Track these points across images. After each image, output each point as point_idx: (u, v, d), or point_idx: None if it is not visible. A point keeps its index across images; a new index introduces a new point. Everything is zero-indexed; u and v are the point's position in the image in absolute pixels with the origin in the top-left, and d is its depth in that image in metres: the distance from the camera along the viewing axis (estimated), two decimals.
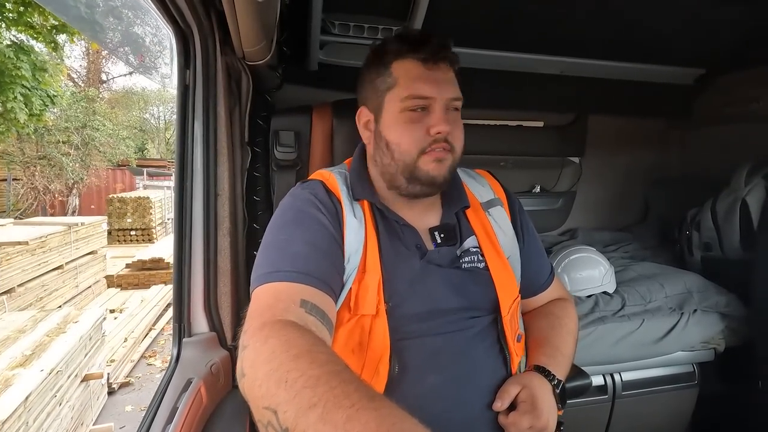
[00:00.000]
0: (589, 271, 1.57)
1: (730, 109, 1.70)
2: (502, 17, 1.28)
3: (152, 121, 21.43)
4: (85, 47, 13.47)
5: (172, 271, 1.00)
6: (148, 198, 8.63)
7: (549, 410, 0.73)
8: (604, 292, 1.56)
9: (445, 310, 0.76)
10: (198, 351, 0.96)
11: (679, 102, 1.85)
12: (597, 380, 1.46)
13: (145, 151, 20.34)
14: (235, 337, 1.05)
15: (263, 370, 0.48)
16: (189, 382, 0.87)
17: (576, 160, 2.01)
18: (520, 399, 0.74)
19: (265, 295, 0.64)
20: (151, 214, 8.56)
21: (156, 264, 6.04)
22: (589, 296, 1.55)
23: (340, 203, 0.78)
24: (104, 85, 15.56)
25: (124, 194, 8.92)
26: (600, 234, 2.07)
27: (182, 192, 0.96)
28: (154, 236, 8.65)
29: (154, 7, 0.83)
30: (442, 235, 0.81)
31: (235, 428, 0.92)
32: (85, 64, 14.50)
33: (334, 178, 0.83)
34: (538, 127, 1.93)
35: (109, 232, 7.99)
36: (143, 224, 8.63)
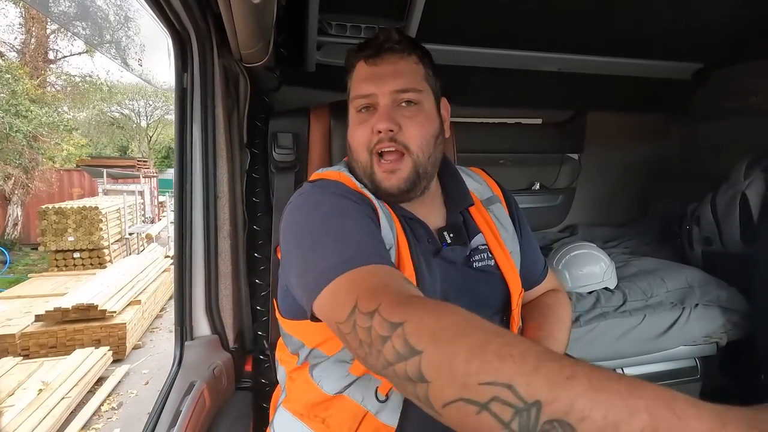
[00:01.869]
0: (590, 268, 1.57)
1: (729, 103, 1.70)
2: (499, 15, 1.28)
3: (133, 118, 19.58)
4: (21, 13, 10.11)
5: (172, 278, 0.99)
6: (96, 208, 6.57)
7: None
8: (606, 288, 1.56)
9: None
10: (200, 354, 0.96)
11: (678, 97, 1.85)
12: None
13: (129, 150, 19.23)
14: (236, 339, 1.05)
15: (463, 342, 0.41)
16: (192, 385, 0.87)
17: (575, 156, 2.01)
18: None
19: (359, 280, 0.54)
20: (101, 229, 6.57)
21: (84, 313, 4.08)
22: (591, 292, 1.55)
23: (367, 197, 0.75)
24: (53, 65, 11.73)
25: (63, 204, 6.80)
26: (600, 230, 2.07)
27: (182, 195, 0.96)
28: (108, 258, 6.75)
29: (150, 10, 0.83)
30: (451, 235, 0.80)
31: (239, 431, 0.92)
32: (26, 37, 10.64)
33: (346, 175, 0.79)
34: (536, 125, 1.93)
35: (43, 256, 6.42)
36: (91, 243, 6.54)
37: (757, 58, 1.50)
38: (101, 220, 6.63)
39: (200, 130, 0.96)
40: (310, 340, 0.75)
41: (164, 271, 6.02)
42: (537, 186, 2.05)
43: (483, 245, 0.82)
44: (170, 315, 5.36)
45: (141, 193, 9.42)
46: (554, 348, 0.80)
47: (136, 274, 5.30)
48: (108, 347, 4.04)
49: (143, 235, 7.97)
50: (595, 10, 1.27)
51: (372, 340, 0.47)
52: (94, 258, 6.68)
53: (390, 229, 0.72)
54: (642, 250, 1.92)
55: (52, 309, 4.10)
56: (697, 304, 1.48)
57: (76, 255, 6.57)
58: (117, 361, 4.10)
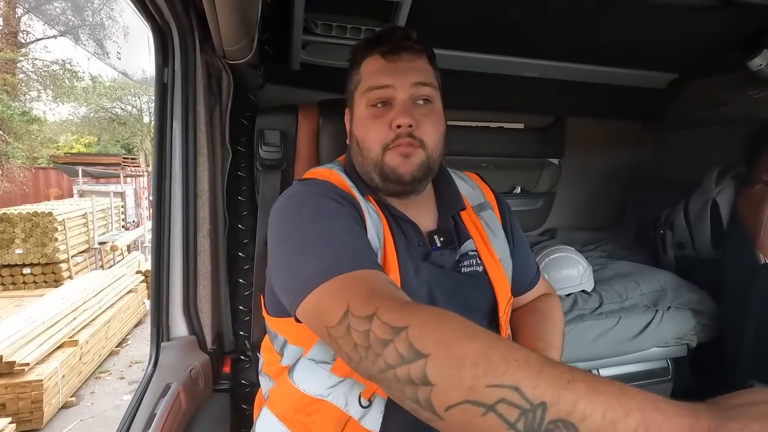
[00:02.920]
0: (568, 270, 1.60)
1: (702, 113, 1.76)
2: (484, 20, 1.29)
3: (135, 114, 18.52)
4: None
5: (149, 279, 0.97)
6: (49, 215, 5.49)
7: None
8: (583, 291, 1.60)
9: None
10: (177, 355, 0.94)
11: (654, 105, 1.91)
12: None
13: (134, 148, 18.17)
14: (215, 340, 1.03)
15: (470, 347, 0.42)
16: (168, 387, 0.85)
17: (555, 161, 2.04)
18: None
19: (347, 285, 0.55)
20: (57, 239, 5.49)
21: None
22: (569, 295, 1.58)
23: (355, 198, 0.75)
24: (24, 49, 10.79)
25: (10, 209, 5.73)
26: (578, 234, 2.12)
27: (160, 193, 0.94)
28: (67, 274, 5.69)
29: (131, 2, 0.81)
30: (441, 239, 0.80)
31: None
32: None
33: (338, 174, 0.79)
34: (518, 129, 1.96)
35: None
36: (44, 256, 5.42)
37: (729, 70, 1.55)
38: (57, 229, 5.47)
39: (180, 126, 0.94)
40: (295, 338, 0.75)
41: (130, 291, 5.01)
42: (518, 189, 2.08)
43: (472, 251, 0.82)
44: (131, 350, 4.54)
45: (122, 194, 8.67)
46: (552, 356, 0.81)
47: (86, 299, 4.21)
48: (10, 418, 2.92)
49: (113, 245, 6.50)
50: (577, 19, 1.30)
51: (370, 343, 0.48)
52: (49, 274, 5.55)
53: (376, 232, 0.72)
54: (618, 254, 1.97)
55: None
56: (669, 307, 1.53)
57: (26, 271, 5.45)
58: None
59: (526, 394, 0.38)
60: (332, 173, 0.80)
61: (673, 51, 1.52)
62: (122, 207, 8.47)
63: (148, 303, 5.13)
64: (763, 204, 1.39)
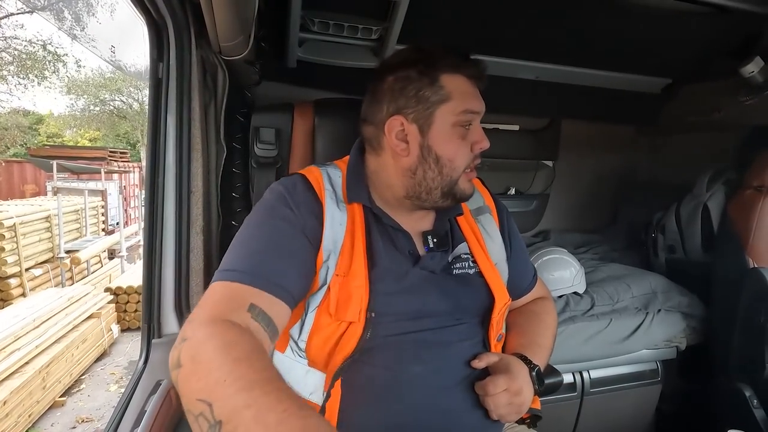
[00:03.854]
0: (561, 272, 1.61)
1: (694, 118, 1.78)
2: (480, 22, 1.30)
3: (135, 106, 17.31)
4: None
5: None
6: None
7: (524, 380, 0.76)
8: (575, 293, 1.61)
9: (433, 311, 0.77)
10: (168, 352, 0.93)
11: (648, 110, 1.92)
12: (567, 378, 1.50)
13: (139, 144, 17.47)
14: None
15: (203, 366, 0.51)
16: (158, 384, 0.84)
17: (549, 163, 2.06)
18: (496, 365, 0.77)
19: (218, 292, 0.64)
20: (2, 249, 4.46)
21: None
22: (561, 296, 1.59)
23: (322, 201, 0.77)
24: None
25: None
26: (571, 236, 2.13)
27: (153, 189, 0.93)
28: (18, 290, 4.62)
29: None
30: (435, 240, 0.82)
31: None
32: None
33: (320, 175, 0.81)
34: (513, 131, 1.97)
35: None
36: None
37: (721, 76, 1.57)
38: (3, 236, 4.47)
39: (175, 122, 0.93)
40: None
41: (90, 317, 3.95)
42: (512, 191, 2.09)
43: (466, 254, 0.84)
44: (82, 399, 3.46)
45: (102, 192, 7.61)
46: (538, 354, 0.83)
47: (18, 334, 3.13)
48: None
49: (74, 258, 5.13)
50: (573, 23, 1.31)
51: (177, 340, 0.58)
52: None
53: (337, 233, 0.75)
54: (610, 257, 1.98)
55: None
56: (659, 310, 1.54)
57: None
58: None
59: (214, 412, 0.47)
60: (317, 172, 0.82)
61: (667, 56, 1.53)
62: (102, 207, 7.31)
63: (116, 329, 4.42)
64: (753, 209, 1.41)
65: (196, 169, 0.97)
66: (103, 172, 8.55)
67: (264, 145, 1.12)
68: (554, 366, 1.01)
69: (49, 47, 11.27)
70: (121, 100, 16.99)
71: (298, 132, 1.14)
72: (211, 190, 1.05)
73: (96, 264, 5.86)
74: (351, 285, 0.72)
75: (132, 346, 4.45)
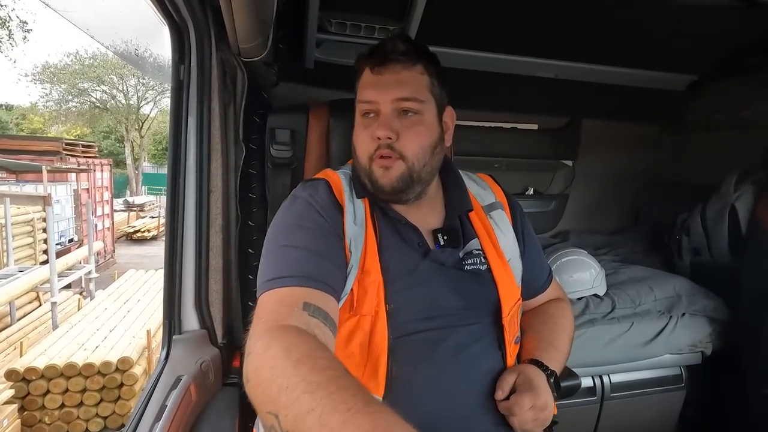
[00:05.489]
0: (580, 274, 1.58)
1: (722, 116, 1.72)
2: (499, 20, 1.28)
3: (120, 98, 15.69)
4: None
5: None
6: None
7: (546, 392, 0.75)
8: (595, 295, 1.58)
9: (445, 308, 0.77)
10: (188, 348, 0.95)
11: (672, 108, 1.87)
12: (586, 382, 1.47)
13: (126, 140, 16.46)
14: (225, 334, 1.05)
15: (265, 376, 0.50)
16: (178, 380, 0.86)
17: (569, 163, 2.02)
18: (518, 383, 0.76)
19: (269, 301, 0.65)
20: None
21: None
22: (580, 298, 1.56)
23: (342, 204, 0.79)
24: None
25: None
26: (591, 237, 2.09)
27: (175, 188, 0.95)
28: None
29: (149, 0, 0.82)
30: (445, 237, 0.82)
31: (225, 427, 0.91)
32: None
33: (339, 178, 0.83)
34: (532, 130, 1.94)
35: None
36: None
37: (751, 72, 1.52)
38: None
39: (195, 123, 0.95)
40: None
41: None
42: (531, 191, 2.06)
43: (477, 249, 0.83)
44: None
45: (44, 199, 5.42)
46: (554, 358, 0.82)
47: None
48: None
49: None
50: (593, 19, 1.28)
51: (245, 357, 0.57)
52: None
53: (358, 233, 0.76)
54: (632, 258, 1.94)
55: None
56: (684, 313, 1.50)
57: None
58: None
59: (281, 423, 0.46)
60: (335, 176, 0.84)
61: (692, 52, 1.49)
62: (42, 221, 5.17)
63: None
64: None
65: (216, 169, 0.99)
66: (45, 171, 5.90)
67: (279, 146, 1.13)
68: (573, 369, 0.99)
69: None
70: (103, 90, 15.40)
71: (313, 133, 1.15)
72: (230, 190, 1.06)
73: (21, 308, 3.81)
74: (366, 280, 0.73)
75: None
